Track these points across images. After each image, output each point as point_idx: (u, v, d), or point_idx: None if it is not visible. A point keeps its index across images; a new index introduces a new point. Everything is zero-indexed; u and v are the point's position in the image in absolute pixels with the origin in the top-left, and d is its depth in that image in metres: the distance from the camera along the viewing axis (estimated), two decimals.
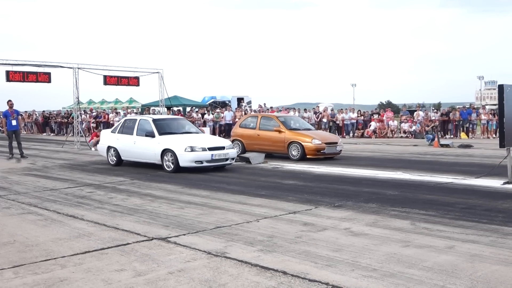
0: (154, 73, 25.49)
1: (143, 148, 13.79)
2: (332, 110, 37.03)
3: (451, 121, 27.58)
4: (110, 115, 33.59)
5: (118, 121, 32.04)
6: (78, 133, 23.88)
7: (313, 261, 5.25)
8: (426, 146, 21.53)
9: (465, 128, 27.54)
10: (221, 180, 11.57)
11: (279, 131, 16.28)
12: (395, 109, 52.14)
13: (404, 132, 28.42)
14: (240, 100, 44.79)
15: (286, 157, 16.08)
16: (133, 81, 24.44)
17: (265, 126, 16.95)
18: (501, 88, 10.54)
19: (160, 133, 13.62)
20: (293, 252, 5.62)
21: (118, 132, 14.85)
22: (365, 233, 6.41)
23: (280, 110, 32.71)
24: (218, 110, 34.36)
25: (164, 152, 13.13)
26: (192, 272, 4.96)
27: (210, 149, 12.97)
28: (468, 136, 26.86)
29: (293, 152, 15.84)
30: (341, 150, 16.52)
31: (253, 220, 7.27)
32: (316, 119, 30.04)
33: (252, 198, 9.13)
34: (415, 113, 29.63)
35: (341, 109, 33.01)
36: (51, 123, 39.06)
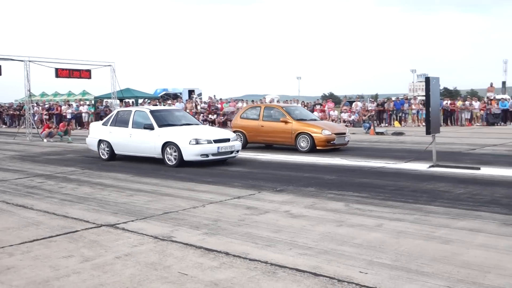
0: (106, 66, 24.93)
1: (140, 141, 12.37)
2: (278, 101, 37.32)
3: (386, 110, 28.38)
4: (63, 107, 32.67)
5: (71, 112, 31.59)
6: (30, 125, 23.10)
7: (254, 242, 5.32)
8: (363, 134, 22.08)
9: (398, 117, 28.39)
10: (170, 169, 11.49)
11: (286, 122, 14.78)
12: (337, 100, 53.10)
13: (344, 121, 29.00)
14: (191, 92, 44.44)
15: (293, 149, 14.69)
16: (85, 74, 23.82)
17: (269, 117, 15.49)
18: (427, 80, 10.92)
19: (160, 125, 12.17)
20: (236, 234, 5.68)
21: (110, 125, 13.25)
22: (303, 215, 6.54)
23: (229, 102, 32.69)
24: (169, 102, 33.96)
25: (166, 145, 11.72)
26: (138, 256, 4.93)
27: (216, 141, 11.64)
28: (401, 125, 27.74)
29: (302, 144, 14.40)
30: (348, 141, 15.18)
31: (200, 206, 7.27)
32: None
33: (200, 185, 9.12)
34: (353, 103, 30.32)
35: (286, 100, 33.31)
36: (3, 116, 37.59)
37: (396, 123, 27.87)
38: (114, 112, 13.83)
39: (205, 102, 33.31)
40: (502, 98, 30.63)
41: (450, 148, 14.80)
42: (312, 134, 14.25)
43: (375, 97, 58.35)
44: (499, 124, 26.68)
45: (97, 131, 13.76)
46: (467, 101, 28.49)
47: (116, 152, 13.18)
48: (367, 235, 5.50)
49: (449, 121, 27.89)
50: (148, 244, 5.35)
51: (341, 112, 30.05)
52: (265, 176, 10.03)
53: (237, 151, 12.24)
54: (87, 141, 14.26)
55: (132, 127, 12.65)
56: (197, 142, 11.42)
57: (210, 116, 30.05)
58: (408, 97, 37.01)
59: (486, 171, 10.00)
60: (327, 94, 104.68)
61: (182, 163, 11.45)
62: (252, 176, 9.98)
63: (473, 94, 66.65)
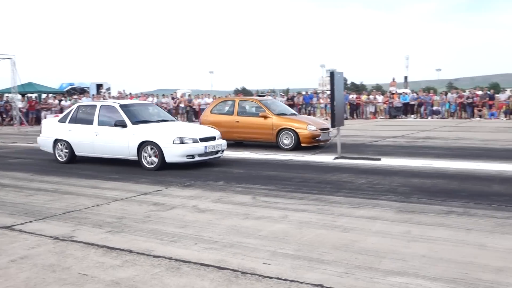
0: (5, 58, 23.46)
1: (110, 141, 10.63)
2: (189, 95, 37.08)
3: (295, 105, 29.09)
4: None
5: None
6: None
7: (159, 238, 5.26)
8: None
9: (307, 111, 29.23)
10: (73, 165, 11.03)
11: (265, 117, 13.56)
12: (249, 95, 53.65)
13: None
14: (99, 86, 42.92)
15: (273, 147, 13.56)
16: None
17: (245, 112, 14.24)
18: (332, 75, 11.35)
19: (133, 122, 10.54)
20: (140, 231, 5.57)
21: (70, 122, 11.42)
22: (210, 209, 6.55)
23: (139, 96, 31.99)
24: (75, 97, 32.59)
25: (143, 145, 10.11)
26: (36, 258, 4.70)
27: (202, 140, 10.27)
28: None
29: (285, 141, 13.26)
30: (331, 137, 13.77)
31: (104, 203, 7.05)
32: (174, 105, 29.87)
33: (105, 182, 8.85)
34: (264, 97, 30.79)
35: (198, 94, 33.15)
36: None
37: None
38: (74, 107, 11.92)
39: (114, 97, 32.34)
40: (403, 92, 32.53)
41: (354, 140, 15.46)
42: (297, 130, 13.13)
43: (286, 92, 59.66)
44: (400, 116, 28.27)
45: (52, 129, 11.85)
46: (372, 95, 29.93)
47: (77, 153, 11.36)
48: (272, 227, 5.61)
49: (355, 114, 29.14)
50: (46, 245, 5.11)
51: None
52: (173, 172, 9.91)
53: (222, 151, 10.96)
54: (39, 140, 12.22)
55: (99, 124, 10.90)
56: (182, 141, 9.95)
57: None
58: (317, 91, 38.30)
59: (386, 161, 10.58)
60: (239, 89, 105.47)
61: (163, 165, 9.96)
62: (160, 172, 9.83)
63: (378, 89, 70.13)
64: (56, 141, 11.61)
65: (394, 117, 28.25)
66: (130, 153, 10.35)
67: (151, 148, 10.04)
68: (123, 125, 10.48)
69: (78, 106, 11.90)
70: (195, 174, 9.50)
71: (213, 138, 10.66)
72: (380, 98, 29.41)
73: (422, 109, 28.13)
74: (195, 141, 10.13)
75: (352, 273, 4.15)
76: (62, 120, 11.73)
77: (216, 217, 6.13)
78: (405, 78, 75.44)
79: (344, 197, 7.11)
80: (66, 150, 11.43)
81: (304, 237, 5.18)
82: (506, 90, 29.56)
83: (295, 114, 15.24)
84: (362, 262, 4.40)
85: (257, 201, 6.99)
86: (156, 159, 9.98)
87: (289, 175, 9.09)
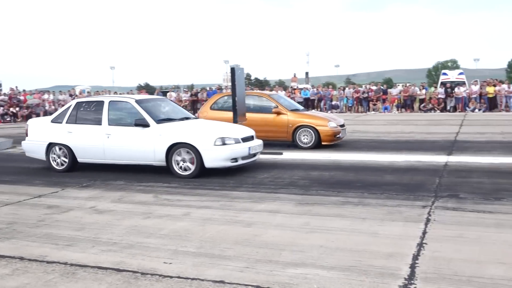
0: None
1: (127, 144, 8.87)
2: (88, 92, 35.67)
3: (199, 101, 28.98)
4: None
5: None
6: None
7: (54, 243, 5.00)
8: None
9: None
10: None
11: (278, 113, 12.31)
12: (152, 91, 52.57)
13: None
14: None
15: (286, 145, 12.40)
16: None
17: (252, 107, 12.61)
18: (233, 70, 11.40)
19: (157, 121, 8.91)
20: (33, 236, 5.27)
21: (68, 122, 9.46)
22: (110, 210, 6.34)
23: (34, 93, 30.24)
24: None
25: (174, 148, 8.51)
26: None
27: (244, 140, 8.81)
28: None
29: (304, 139, 12.10)
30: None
31: None
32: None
33: None
34: (167, 94, 30.40)
35: (97, 91, 32.01)
36: None
37: None
38: (71, 104, 9.83)
39: (5, 94, 30.27)
40: (304, 87, 33.56)
41: None
42: (317, 127, 12.06)
43: (190, 87, 59.26)
44: None
45: (43, 132, 9.74)
46: (274, 91, 30.52)
47: (80, 159, 9.43)
48: (174, 225, 5.55)
49: None
50: None
51: None
52: (71, 172, 9.44)
53: (259, 153, 9.56)
54: (25, 146, 10.07)
55: (110, 124, 9.10)
56: (223, 142, 8.48)
57: (11, 109, 27.43)
58: (222, 87, 38.39)
59: (288, 155, 10.86)
60: (142, 85, 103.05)
61: (201, 171, 8.40)
62: (55, 173, 9.33)
63: (280, 84, 71.75)
64: (51, 145, 9.54)
65: None
66: (155, 158, 8.66)
67: (186, 152, 8.44)
68: (144, 124, 8.77)
69: (78, 103, 9.76)
70: (95, 174, 9.14)
71: (252, 138, 9.27)
72: (282, 93, 30.06)
73: (322, 103, 29.18)
74: (237, 141, 8.62)
75: (253, 267, 4.21)
76: (56, 120, 9.68)
77: (115, 217, 5.95)
78: (306, 73, 77.80)
79: (246, 192, 7.20)
80: (67, 156, 9.42)
81: (206, 234, 5.17)
82: (398, 85, 31.49)
83: (306, 110, 14.67)
84: (262, 256, 4.47)
85: (158, 199, 6.89)
86: (191, 165, 8.42)
87: None
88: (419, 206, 6.09)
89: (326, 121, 12.28)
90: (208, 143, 8.36)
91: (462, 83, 27.46)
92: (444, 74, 31.11)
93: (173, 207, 6.41)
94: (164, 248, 4.76)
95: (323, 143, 12.02)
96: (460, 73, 30.32)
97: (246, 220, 5.68)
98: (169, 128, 8.79)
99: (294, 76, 43.71)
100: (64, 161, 9.46)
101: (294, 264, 4.24)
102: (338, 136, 12.33)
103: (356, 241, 4.84)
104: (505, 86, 24.90)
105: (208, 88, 32.31)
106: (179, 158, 8.46)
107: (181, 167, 8.46)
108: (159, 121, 8.93)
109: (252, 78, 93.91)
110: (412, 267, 4.10)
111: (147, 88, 75.96)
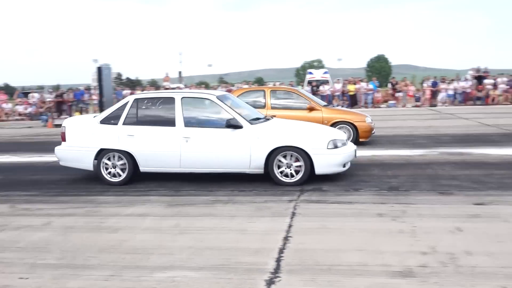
0: None
1: (215, 150, 7.40)
2: None
3: (65, 102, 27.46)
4: None
5: None
6: None
7: None
8: (41, 127, 20.83)
9: (79, 108, 27.86)
10: None
11: (311, 109, 11.40)
12: (12, 92, 48.84)
13: (20, 114, 26.88)
14: None
15: None
16: None
17: (281, 104, 11.67)
18: (99, 69, 10.99)
19: (250, 121, 7.57)
20: None
21: (125, 123, 7.69)
22: None
23: None
24: None
25: (276, 153, 7.27)
26: None
27: (345, 143, 7.77)
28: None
29: None
30: None
31: None
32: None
33: None
34: (29, 94, 28.43)
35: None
36: None
37: (77, 114, 27.28)
38: (129, 100, 7.92)
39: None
40: (177, 87, 33.31)
41: None
42: (356, 124, 11.35)
43: (56, 88, 55.86)
44: None
45: (90, 135, 7.85)
46: (146, 91, 29.90)
47: (143, 169, 7.71)
48: (32, 236, 5.16)
49: None
50: None
51: (16, 105, 27.80)
52: None
53: None
54: (62, 153, 8.06)
55: (186, 126, 7.52)
56: (335, 145, 7.42)
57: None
58: (90, 87, 36.74)
59: None
60: (2, 85, 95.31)
61: (309, 177, 7.29)
62: None
63: (153, 84, 70.59)
64: (103, 151, 7.77)
65: None
66: (252, 164, 7.36)
67: (291, 156, 7.30)
68: (235, 125, 7.38)
69: (136, 99, 7.92)
70: None
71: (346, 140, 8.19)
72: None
73: None
74: (343, 144, 7.62)
75: (119, 274, 4.06)
76: (109, 121, 7.82)
77: None
78: (180, 73, 77.38)
79: (114, 196, 6.93)
80: (124, 165, 7.71)
81: (68, 244, 4.88)
82: (268, 84, 32.56)
83: (335, 106, 14.87)
84: (129, 262, 4.33)
85: (16, 209, 6.37)
86: (298, 171, 7.28)
87: (55, 178, 8.47)
88: (285, 201, 6.31)
89: (364, 117, 11.65)
90: (320, 147, 7.31)
91: (326, 82, 29.08)
92: (310, 73, 32.70)
93: (33, 217, 5.97)
94: (20, 262, 4.40)
95: (360, 140, 11.33)
96: (325, 72, 32.07)
97: (112, 226, 5.46)
98: (267, 129, 7.57)
99: (167, 75, 43.19)
100: (123, 170, 7.72)
101: (162, 268, 4.16)
102: (373, 132, 11.81)
103: (225, 239, 4.88)
104: (364, 84, 26.86)
105: (75, 89, 30.69)
106: (284, 164, 7.32)
107: (286, 174, 7.33)
108: (252, 121, 7.68)
109: (124, 77, 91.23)
110: (278, 260, 4.23)
111: (7, 89, 70.34)
